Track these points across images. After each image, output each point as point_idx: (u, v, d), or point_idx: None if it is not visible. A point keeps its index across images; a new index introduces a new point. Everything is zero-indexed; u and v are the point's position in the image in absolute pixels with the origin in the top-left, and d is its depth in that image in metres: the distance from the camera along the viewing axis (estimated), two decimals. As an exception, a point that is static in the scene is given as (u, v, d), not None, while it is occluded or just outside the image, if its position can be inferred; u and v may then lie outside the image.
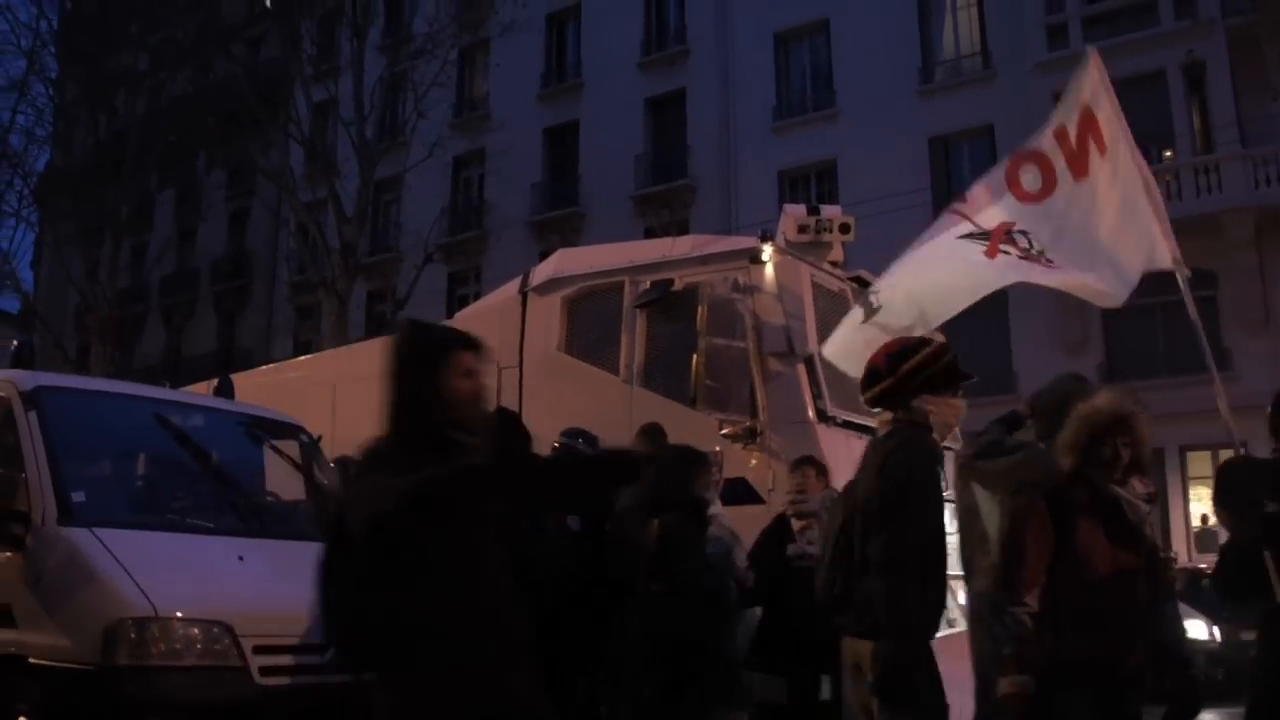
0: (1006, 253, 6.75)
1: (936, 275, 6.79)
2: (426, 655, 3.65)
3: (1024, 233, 6.74)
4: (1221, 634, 15.90)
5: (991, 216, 6.85)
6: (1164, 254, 6.79)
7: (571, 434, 7.27)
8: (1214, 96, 26.18)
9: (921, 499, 4.57)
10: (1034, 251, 6.80)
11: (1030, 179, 6.96)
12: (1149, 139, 26.07)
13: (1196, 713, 4.91)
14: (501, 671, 3.73)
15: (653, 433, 7.64)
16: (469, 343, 3.94)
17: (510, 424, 6.46)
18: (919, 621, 4.48)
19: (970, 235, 6.82)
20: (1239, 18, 26.18)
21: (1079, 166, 6.92)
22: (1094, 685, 4.45)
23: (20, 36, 35.45)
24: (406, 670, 3.66)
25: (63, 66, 37.34)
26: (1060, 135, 7.01)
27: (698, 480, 7.02)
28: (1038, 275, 6.87)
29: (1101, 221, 6.85)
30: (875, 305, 6.69)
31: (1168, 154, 26.36)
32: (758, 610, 7.24)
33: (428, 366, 3.85)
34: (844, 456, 7.49)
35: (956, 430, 4.99)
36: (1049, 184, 6.95)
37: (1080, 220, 6.87)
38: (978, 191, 7.03)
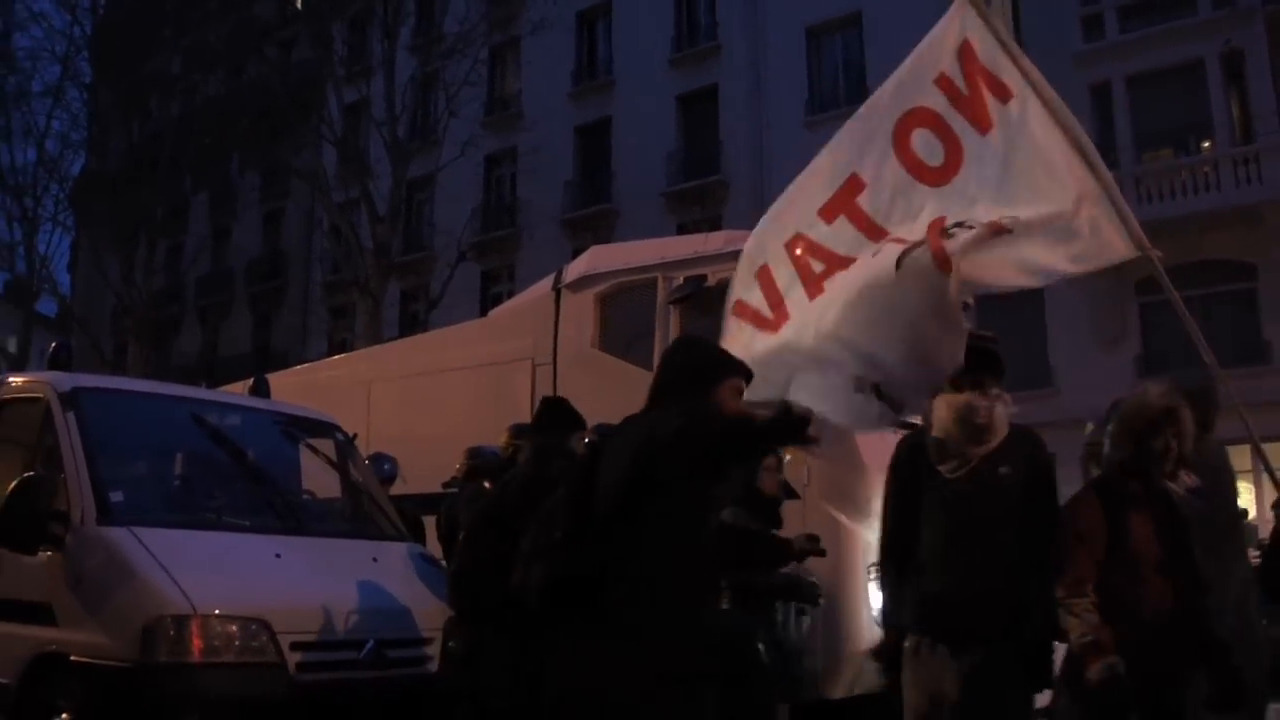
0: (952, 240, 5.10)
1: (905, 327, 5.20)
2: (624, 607, 3.85)
3: (960, 224, 5.18)
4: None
5: (913, 226, 5.34)
6: (1119, 246, 5.23)
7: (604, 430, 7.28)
8: (1253, 86, 25.75)
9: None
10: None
11: (928, 149, 5.50)
12: (1188, 129, 25.80)
13: (1239, 702, 4.85)
14: (685, 647, 3.93)
15: None
16: (742, 369, 4.29)
17: (563, 411, 6.45)
18: (887, 611, 5.10)
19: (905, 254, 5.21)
20: (1278, 5, 25.76)
21: (980, 118, 5.45)
22: (1141, 677, 4.42)
23: (55, 43, 35.93)
24: (599, 617, 3.87)
25: (96, 71, 37.59)
26: (942, 83, 5.56)
27: (761, 477, 7.02)
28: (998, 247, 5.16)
29: (1019, 186, 5.30)
30: (901, 405, 5.39)
31: (1206, 145, 26.02)
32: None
33: (705, 380, 4.15)
34: (879, 451, 7.45)
35: (976, 425, 4.85)
36: (954, 152, 5.46)
37: (996, 182, 5.35)
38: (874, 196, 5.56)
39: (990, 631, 4.68)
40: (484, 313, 25.63)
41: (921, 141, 5.57)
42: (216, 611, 5.99)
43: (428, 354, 12.77)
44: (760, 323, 5.80)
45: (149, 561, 6.11)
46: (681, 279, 9.73)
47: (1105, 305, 25.28)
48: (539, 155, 35.62)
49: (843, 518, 7.99)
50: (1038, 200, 5.25)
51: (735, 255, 9.52)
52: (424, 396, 11.61)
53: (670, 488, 3.86)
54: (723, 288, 9.22)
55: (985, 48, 5.56)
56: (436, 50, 30.89)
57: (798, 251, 5.75)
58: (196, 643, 5.87)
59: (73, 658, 6.07)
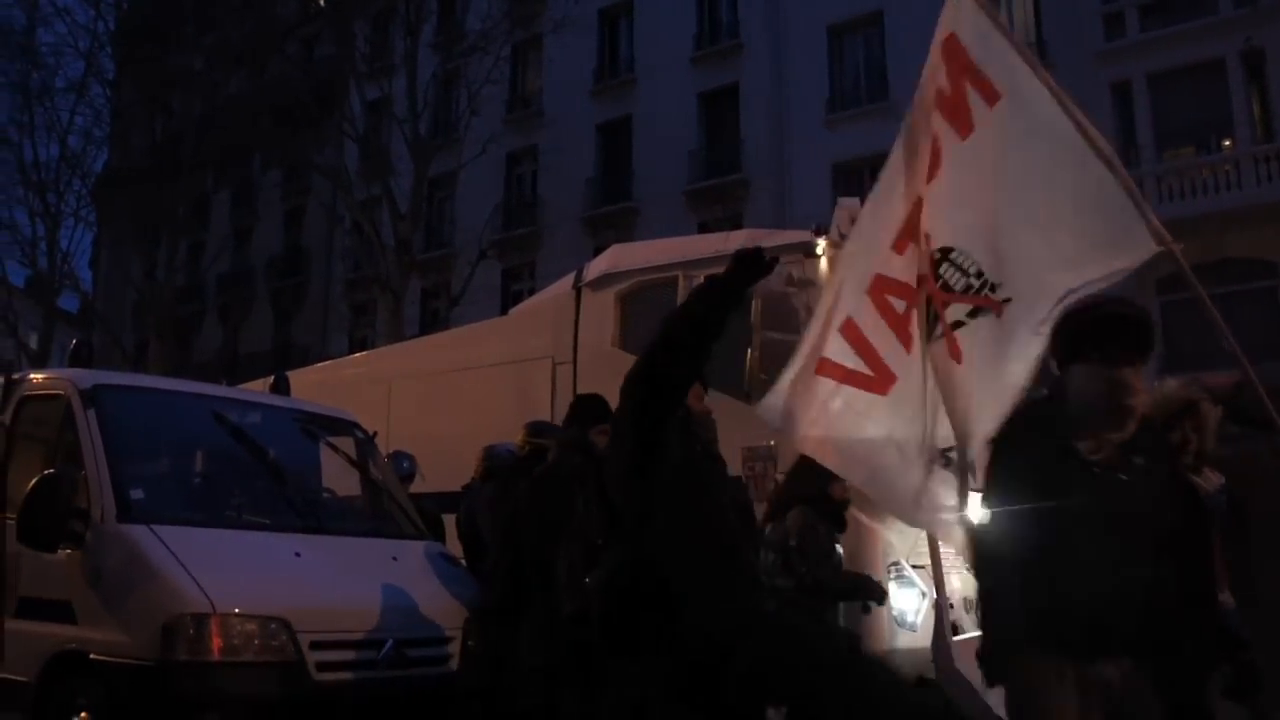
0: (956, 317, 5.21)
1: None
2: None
3: (946, 254, 5.22)
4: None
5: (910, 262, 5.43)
6: (1140, 243, 5.02)
7: None
8: (1275, 84, 25.55)
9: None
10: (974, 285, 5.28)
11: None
12: (1209, 127, 25.63)
13: (1256, 692, 4.83)
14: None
15: None
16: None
17: (587, 405, 6.44)
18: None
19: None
20: (1300, 4, 25.61)
21: (961, 121, 5.33)
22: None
23: (79, 38, 36.00)
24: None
25: (119, 68, 37.71)
26: (939, 99, 5.47)
27: (832, 482, 7.01)
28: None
29: (1017, 188, 5.18)
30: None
31: (1227, 143, 25.83)
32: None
33: None
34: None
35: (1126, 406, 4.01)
36: (935, 155, 5.44)
37: (975, 191, 5.28)
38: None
39: (1130, 638, 3.88)
40: (505, 311, 25.64)
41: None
42: (236, 610, 6.00)
43: (448, 352, 12.77)
44: (863, 383, 5.68)
45: (169, 560, 6.12)
46: (702, 278, 9.63)
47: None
48: (560, 153, 35.63)
49: (863, 516, 7.95)
50: (1043, 202, 5.16)
51: (756, 254, 9.58)
52: (444, 395, 11.61)
53: (672, 447, 4.27)
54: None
55: (978, 44, 5.39)
56: (458, 48, 30.92)
57: (879, 295, 5.66)
58: (216, 641, 5.87)
59: (92, 656, 6.09)
